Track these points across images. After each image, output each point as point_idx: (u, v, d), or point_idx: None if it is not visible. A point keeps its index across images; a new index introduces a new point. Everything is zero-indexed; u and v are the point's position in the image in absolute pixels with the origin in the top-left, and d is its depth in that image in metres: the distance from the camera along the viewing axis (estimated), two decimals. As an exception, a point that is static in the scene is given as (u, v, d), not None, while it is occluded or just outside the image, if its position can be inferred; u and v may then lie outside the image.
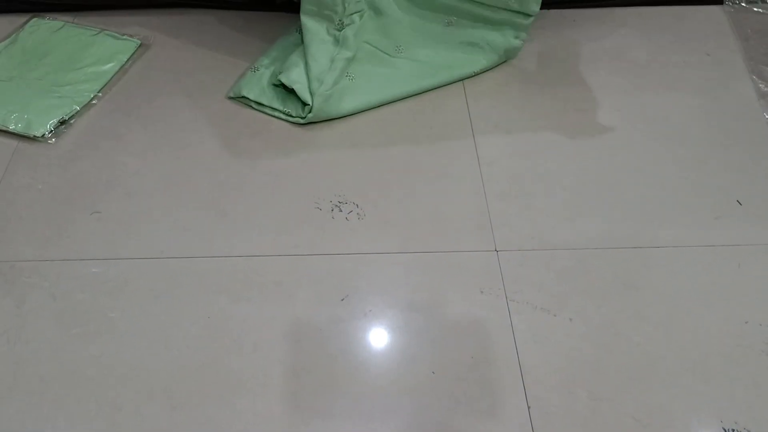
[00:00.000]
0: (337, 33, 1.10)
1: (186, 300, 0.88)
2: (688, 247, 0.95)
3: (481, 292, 0.89)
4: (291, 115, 1.10)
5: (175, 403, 0.79)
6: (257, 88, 1.13)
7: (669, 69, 1.22)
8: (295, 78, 1.09)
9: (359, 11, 1.11)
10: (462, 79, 1.19)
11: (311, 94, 1.07)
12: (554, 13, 1.32)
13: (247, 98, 1.13)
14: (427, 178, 1.03)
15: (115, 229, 0.96)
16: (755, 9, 1.34)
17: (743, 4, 1.35)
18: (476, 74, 1.19)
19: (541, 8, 1.26)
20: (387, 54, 1.17)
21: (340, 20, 1.09)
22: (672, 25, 1.31)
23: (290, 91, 1.10)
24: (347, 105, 1.11)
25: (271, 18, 1.30)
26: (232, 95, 1.15)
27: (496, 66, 1.22)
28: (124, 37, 1.25)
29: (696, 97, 1.17)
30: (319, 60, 1.08)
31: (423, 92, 1.17)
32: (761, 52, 1.25)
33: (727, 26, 1.31)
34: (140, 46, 1.24)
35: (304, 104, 1.08)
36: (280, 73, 1.11)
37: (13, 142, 1.07)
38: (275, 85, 1.13)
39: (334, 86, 1.08)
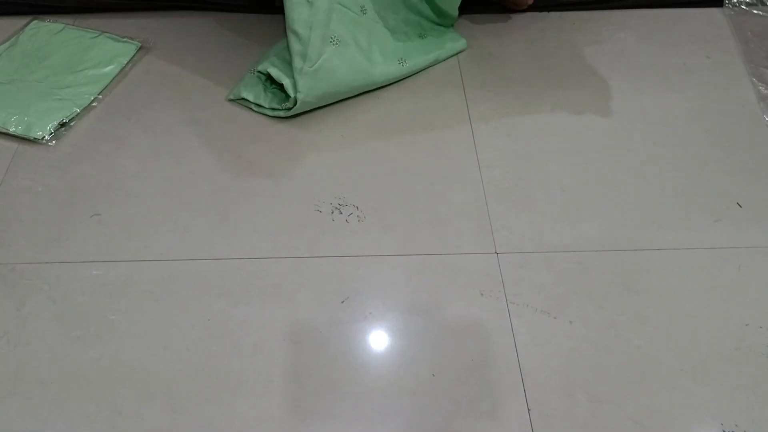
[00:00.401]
0: None
1: (186, 302, 0.88)
2: (689, 250, 0.95)
3: (481, 294, 0.89)
4: (289, 109, 1.09)
5: (175, 405, 0.79)
6: (256, 89, 1.13)
7: (669, 71, 1.22)
8: (271, 62, 1.09)
9: None
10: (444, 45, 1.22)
11: (295, 73, 1.05)
12: (554, 15, 1.33)
13: (247, 100, 1.13)
14: (426, 180, 1.03)
15: (116, 232, 0.96)
16: (755, 11, 1.34)
17: (743, 7, 1.35)
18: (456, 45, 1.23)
19: (540, 11, 1.26)
20: (355, 14, 1.13)
21: None
22: (672, 28, 1.31)
23: (283, 89, 1.10)
24: (338, 76, 1.08)
25: (270, 20, 1.30)
26: (232, 97, 1.15)
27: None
28: (125, 39, 1.25)
29: (696, 99, 1.17)
30: (299, 32, 1.04)
31: (408, 61, 1.18)
32: (761, 54, 1.25)
33: (726, 29, 1.31)
34: (140, 48, 1.24)
35: (287, 93, 1.07)
36: (258, 65, 1.11)
37: (14, 145, 1.08)
38: (271, 85, 1.13)
39: (319, 59, 1.05)
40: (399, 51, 1.18)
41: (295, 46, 1.05)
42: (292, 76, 1.06)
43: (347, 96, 1.14)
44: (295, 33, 1.05)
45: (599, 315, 0.87)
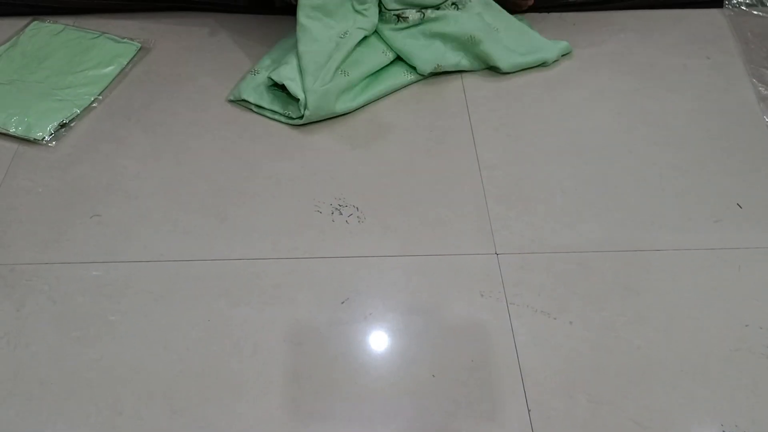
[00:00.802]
0: (341, 40, 1.11)
1: (186, 303, 0.88)
2: (689, 251, 0.95)
3: (481, 295, 0.89)
4: (292, 117, 1.10)
5: (175, 406, 0.79)
6: (257, 91, 1.13)
7: (669, 72, 1.22)
8: (286, 74, 1.09)
9: (365, 28, 1.13)
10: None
11: (305, 91, 1.07)
12: (554, 16, 1.33)
13: (248, 101, 1.13)
14: (427, 181, 1.03)
15: (115, 233, 0.96)
16: (755, 12, 1.34)
17: (743, 8, 1.35)
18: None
19: (540, 12, 1.26)
20: (376, 54, 1.17)
21: (345, 31, 1.11)
22: (672, 29, 1.31)
23: (284, 90, 1.10)
24: (344, 100, 1.11)
25: (271, 21, 1.30)
26: (232, 98, 1.15)
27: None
28: (125, 40, 1.25)
29: (696, 100, 1.17)
30: (317, 59, 1.09)
31: (415, 82, 1.19)
32: (761, 55, 1.25)
33: (726, 29, 1.31)
34: (140, 49, 1.24)
35: (299, 102, 1.08)
36: (272, 71, 1.12)
37: (14, 146, 1.08)
38: (272, 86, 1.13)
39: (330, 81, 1.08)
40: (407, 64, 1.20)
41: (311, 68, 1.08)
42: (304, 91, 1.08)
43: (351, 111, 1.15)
44: (315, 60, 1.09)
45: (599, 316, 0.87)
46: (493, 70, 1.21)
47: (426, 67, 1.17)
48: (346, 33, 1.12)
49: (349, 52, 1.11)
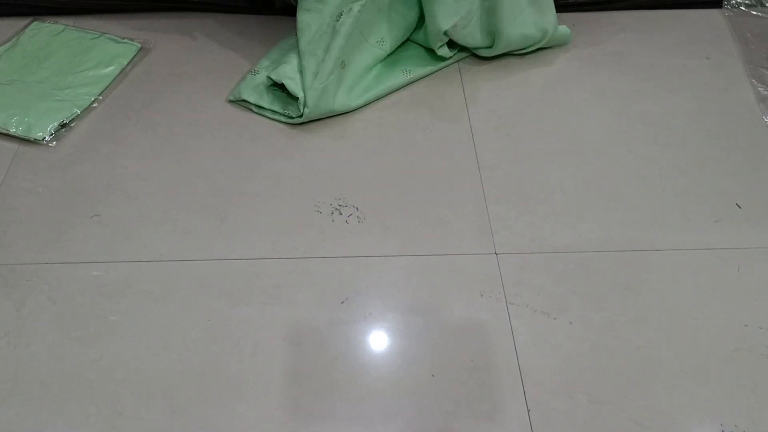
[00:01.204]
0: (336, 23, 1.09)
1: (186, 303, 0.88)
2: (688, 251, 0.95)
3: (481, 295, 0.89)
4: (292, 117, 1.10)
5: (175, 407, 0.79)
6: (257, 91, 1.13)
7: (668, 73, 1.22)
8: (285, 73, 1.09)
9: (358, 0, 1.11)
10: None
11: (305, 89, 1.07)
12: (554, 16, 1.33)
13: (248, 101, 1.13)
14: (426, 181, 1.03)
15: (115, 233, 0.96)
16: (754, 12, 1.34)
17: (742, 8, 1.35)
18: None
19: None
20: (371, 44, 1.17)
21: (339, 12, 1.10)
22: (671, 29, 1.31)
23: (284, 90, 1.10)
24: (344, 100, 1.11)
25: (271, 21, 1.31)
26: (232, 99, 1.15)
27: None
28: (125, 40, 1.25)
29: (695, 100, 1.17)
30: (316, 52, 1.09)
31: (414, 81, 1.20)
32: (761, 55, 1.25)
33: (726, 30, 1.31)
34: (141, 49, 1.24)
35: (298, 100, 1.08)
36: (271, 70, 1.12)
37: (14, 146, 1.08)
38: (272, 86, 1.13)
39: (329, 77, 1.07)
40: (405, 64, 1.20)
41: (311, 66, 1.08)
42: (303, 90, 1.08)
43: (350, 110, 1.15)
44: (314, 55, 1.08)
45: (599, 316, 0.87)
46: (491, 49, 1.21)
47: (444, 24, 1.12)
48: (340, 15, 1.09)
49: (346, 38, 1.09)
